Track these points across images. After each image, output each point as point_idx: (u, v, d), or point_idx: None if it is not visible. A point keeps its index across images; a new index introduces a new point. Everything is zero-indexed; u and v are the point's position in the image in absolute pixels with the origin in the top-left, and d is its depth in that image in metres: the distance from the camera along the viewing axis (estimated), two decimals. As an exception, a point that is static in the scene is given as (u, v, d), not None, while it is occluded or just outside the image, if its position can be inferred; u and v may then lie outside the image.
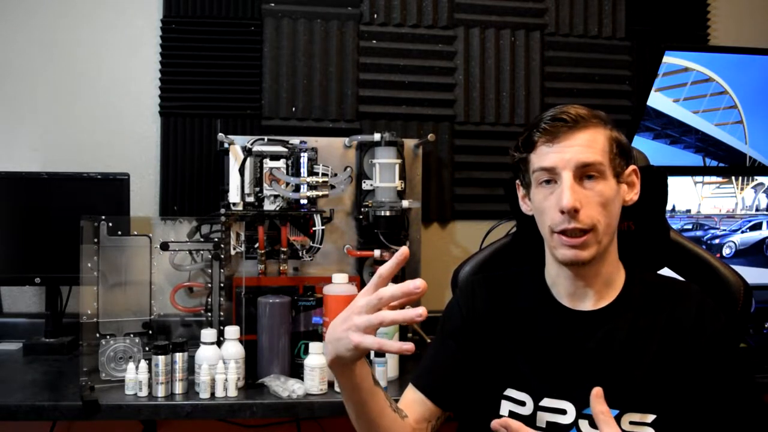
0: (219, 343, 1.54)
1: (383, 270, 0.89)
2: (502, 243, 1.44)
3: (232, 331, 1.55)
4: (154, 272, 1.65)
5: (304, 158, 1.73)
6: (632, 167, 1.09)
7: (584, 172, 1.02)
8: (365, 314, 0.89)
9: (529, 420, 1.05)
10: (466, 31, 2.16)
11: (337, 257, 1.86)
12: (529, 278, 1.16)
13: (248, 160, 1.74)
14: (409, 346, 0.85)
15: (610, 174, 1.04)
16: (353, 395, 1.00)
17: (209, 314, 1.65)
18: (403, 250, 0.87)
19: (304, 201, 1.72)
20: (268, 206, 1.74)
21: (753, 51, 2.14)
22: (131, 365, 1.49)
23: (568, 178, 1.00)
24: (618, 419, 1.01)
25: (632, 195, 1.09)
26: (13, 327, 1.96)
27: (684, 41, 2.24)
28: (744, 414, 1.00)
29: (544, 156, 1.04)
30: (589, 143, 1.02)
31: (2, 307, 2.02)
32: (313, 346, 1.53)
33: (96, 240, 1.58)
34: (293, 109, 2.08)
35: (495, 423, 0.92)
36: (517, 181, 1.15)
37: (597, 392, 0.91)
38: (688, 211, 2.07)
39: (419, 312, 0.84)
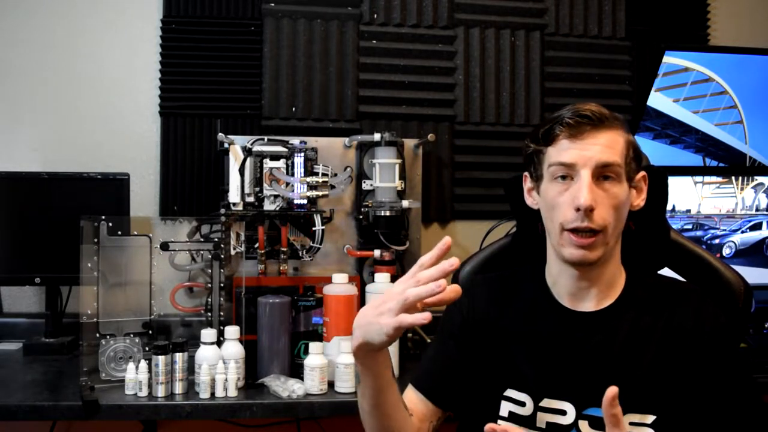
0: (219, 343, 1.54)
1: (424, 259, 0.92)
2: (502, 243, 1.44)
3: (232, 331, 1.55)
4: (154, 272, 1.65)
5: (303, 158, 1.73)
6: (642, 173, 1.09)
7: (602, 173, 1.01)
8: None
9: (529, 420, 1.05)
10: (466, 31, 2.16)
11: (337, 257, 1.86)
12: (529, 278, 1.16)
13: (248, 160, 1.74)
14: (426, 315, 0.86)
15: (624, 177, 1.03)
16: (374, 383, 1.00)
17: (209, 314, 1.65)
18: (446, 240, 0.90)
19: (304, 201, 1.72)
20: (268, 206, 1.74)
21: (753, 51, 2.14)
22: (131, 365, 1.49)
23: (587, 177, 1.00)
24: (617, 420, 1.01)
25: (639, 201, 1.09)
26: (13, 327, 1.96)
27: (684, 41, 2.24)
28: (744, 415, 1.00)
29: (564, 151, 1.03)
30: (610, 144, 1.02)
31: (2, 307, 2.02)
32: (313, 346, 1.53)
33: (96, 240, 1.58)
34: (293, 109, 2.08)
35: (489, 427, 0.90)
36: (525, 173, 1.14)
37: (612, 393, 0.87)
38: (688, 211, 2.07)
39: (451, 262, 0.88)
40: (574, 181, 1.02)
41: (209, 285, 1.68)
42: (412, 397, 1.15)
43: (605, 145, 1.01)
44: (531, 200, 1.13)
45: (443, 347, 1.17)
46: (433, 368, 1.17)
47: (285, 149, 1.76)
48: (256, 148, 1.75)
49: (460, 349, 1.14)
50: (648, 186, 1.11)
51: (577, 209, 1.00)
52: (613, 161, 1.01)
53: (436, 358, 1.17)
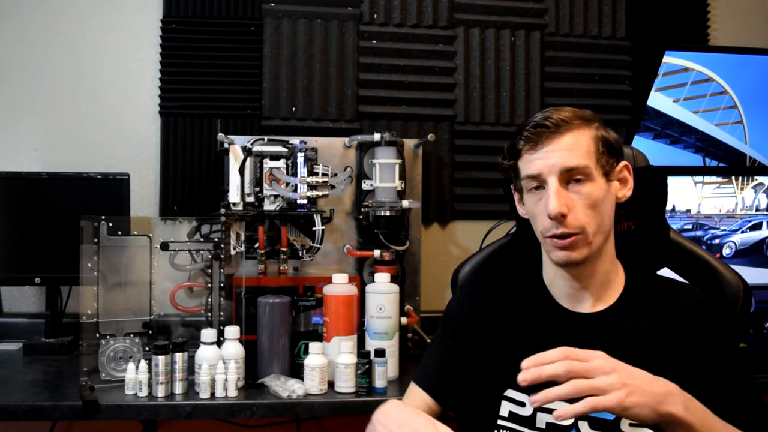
0: (219, 343, 1.54)
1: None
2: (502, 243, 1.44)
3: (232, 331, 1.55)
4: (154, 272, 1.65)
5: (303, 158, 1.73)
6: (623, 163, 1.09)
7: (570, 176, 1.02)
8: None
9: (529, 421, 1.05)
10: (466, 31, 2.16)
11: (337, 257, 1.86)
12: (528, 278, 1.16)
13: (248, 160, 1.74)
14: None
15: (598, 174, 1.03)
16: None
17: (209, 314, 1.65)
18: None
19: (304, 201, 1.72)
20: (268, 206, 1.74)
21: (753, 51, 2.14)
22: (131, 365, 1.49)
23: (554, 184, 1.01)
24: (617, 421, 1.01)
25: (625, 191, 1.09)
26: (13, 327, 1.96)
27: (684, 41, 2.24)
28: (744, 415, 1.00)
29: (529, 164, 1.05)
30: (572, 146, 1.02)
31: (2, 307, 2.02)
32: (313, 346, 1.53)
33: (96, 240, 1.58)
34: (293, 109, 2.08)
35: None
36: (512, 186, 1.16)
37: None
38: (688, 211, 2.07)
39: None
40: (546, 190, 1.03)
41: (209, 285, 1.68)
42: (415, 396, 1.15)
43: (567, 149, 1.02)
44: (522, 210, 1.15)
45: (446, 346, 1.17)
46: (437, 367, 1.17)
47: (285, 149, 1.76)
48: (256, 148, 1.75)
49: (462, 349, 1.15)
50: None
51: (550, 217, 1.01)
52: (577, 164, 1.01)
53: (440, 358, 1.17)
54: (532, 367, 0.88)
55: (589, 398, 0.85)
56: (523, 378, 0.89)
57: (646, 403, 0.87)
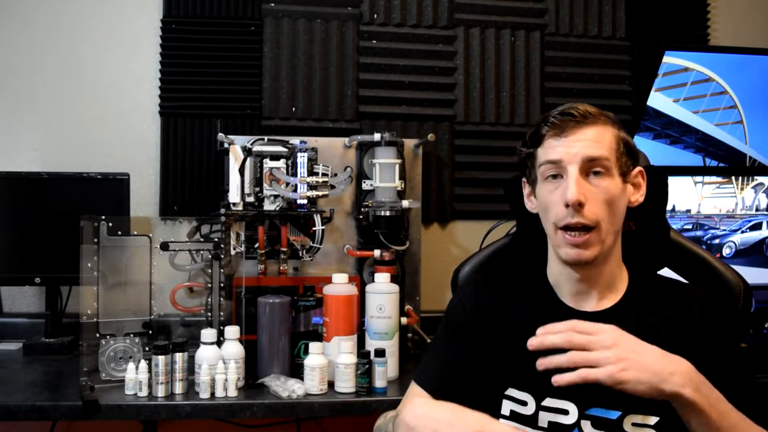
0: (219, 343, 1.54)
1: None
2: (502, 243, 1.44)
3: (232, 331, 1.55)
4: (154, 272, 1.65)
5: (304, 158, 1.73)
6: (639, 168, 1.09)
7: (591, 167, 1.02)
8: None
9: (531, 420, 1.05)
10: (466, 31, 2.16)
11: (337, 257, 1.86)
12: (530, 278, 1.16)
13: (248, 160, 1.74)
14: None
15: (617, 172, 1.04)
16: None
17: (209, 314, 1.65)
18: None
19: (304, 201, 1.72)
20: (268, 206, 1.74)
21: (753, 51, 2.14)
22: (131, 365, 1.49)
23: (574, 172, 1.01)
24: (620, 421, 1.01)
25: (638, 196, 1.09)
26: (13, 327, 1.96)
27: (684, 41, 2.24)
28: (747, 413, 1.00)
29: (551, 150, 1.04)
30: (596, 138, 1.02)
31: (2, 307, 2.02)
32: (313, 346, 1.53)
33: (96, 240, 1.58)
34: (293, 109, 2.08)
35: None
36: (523, 179, 1.15)
37: None
38: (688, 211, 2.07)
39: None
40: (564, 179, 1.03)
41: (209, 285, 1.68)
42: (416, 395, 1.14)
43: (591, 140, 1.02)
44: (530, 204, 1.14)
45: (448, 347, 1.17)
46: (440, 368, 1.16)
47: (285, 149, 1.76)
48: (256, 148, 1.75)
49: (465, 350, 1.14)
50: (647, 184, 1.11)
51: (567, 205, 1.00)
52: (599, 155, 1.02)
53: (442, 358, 1.17)
54: (541, 335, 0.91)
55: (582, 369, 0.86)
56: (530, 343, 0.92)
57: (646, 379, 0.87)
